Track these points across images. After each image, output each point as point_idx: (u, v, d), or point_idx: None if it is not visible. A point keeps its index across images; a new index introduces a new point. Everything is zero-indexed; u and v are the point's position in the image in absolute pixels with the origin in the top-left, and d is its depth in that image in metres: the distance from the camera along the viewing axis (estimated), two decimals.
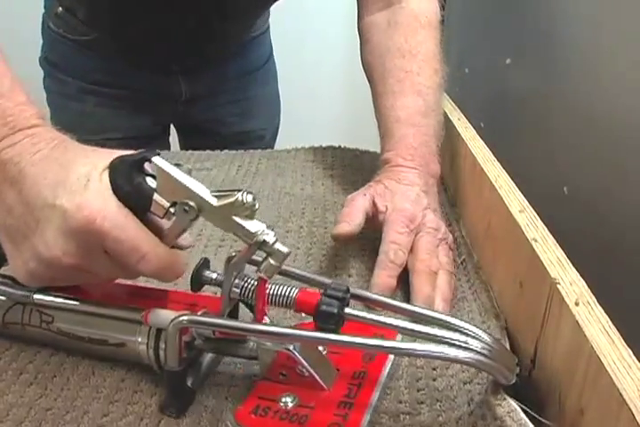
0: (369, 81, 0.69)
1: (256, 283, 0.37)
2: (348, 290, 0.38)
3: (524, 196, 0.50)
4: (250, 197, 0.36)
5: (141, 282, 0.44)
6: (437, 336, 0.35)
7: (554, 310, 0.39)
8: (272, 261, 0.36)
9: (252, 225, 0.36)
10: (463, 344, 0.34)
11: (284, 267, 0.41)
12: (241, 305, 0.41)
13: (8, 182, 0.37)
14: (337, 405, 0.37)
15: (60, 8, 0.84)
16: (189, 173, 0.38)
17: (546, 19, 0.73)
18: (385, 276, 0.51)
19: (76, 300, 0.41)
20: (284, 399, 0.37)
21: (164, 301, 0.40)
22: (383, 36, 0.68)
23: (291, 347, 0.37)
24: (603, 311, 0.36)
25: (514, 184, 0.53)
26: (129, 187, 0.37)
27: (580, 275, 0.40)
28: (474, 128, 0.67)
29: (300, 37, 1.58)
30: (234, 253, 0.38)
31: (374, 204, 0.56)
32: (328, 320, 0.36)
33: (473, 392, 0.40)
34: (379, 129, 0.64)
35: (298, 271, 0.42)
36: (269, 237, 0.36)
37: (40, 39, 0.91)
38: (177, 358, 0.37)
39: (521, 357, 0.43)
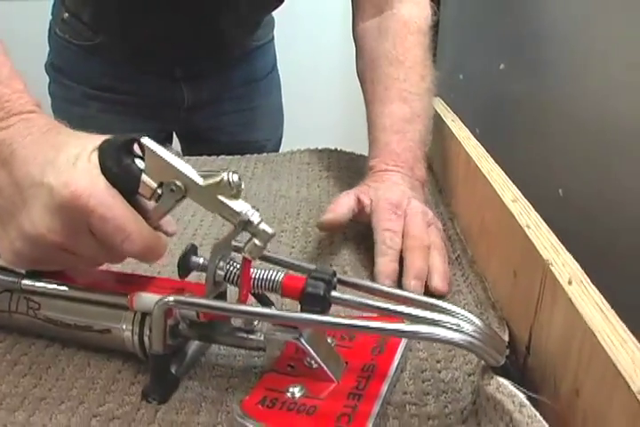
0: (361, 88, 0.70)
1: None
2: (334, 273, 0.37)
3: None
4: (235, 177, 0.36)
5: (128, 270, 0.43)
6: (428, 319, 0.34)
7: (547, 293, 0.38)
8: (257, 242, 0.36)
9: (238, 205, 0.36)
10: (455, 327, 0.33)
11: (269, 254, 0.40)
12: (230, 296, 0.40)
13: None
14: (346, 396, 0.36)
15: (67, 13, 0.86)
16: (179, 155, 0.38)
17: (539, 24, 0.74)
18: (387, 262, 0.51)
19: (64, 285, 0.41)
20: (291, 389, 0.36)
21: (151, 286, 0.39)
22: (374, 44, 0.68)
23: (300, 338, 0.36)
24: (596, 290, 0.35)
25: (507, 178, 0.52)
26: (117, 168, 0.36)
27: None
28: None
29: (297, 44, 1.59)
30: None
31: (359, 200, 0.56)
32: (314, 302, 0.36)
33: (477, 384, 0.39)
34: (368, 137, 0.65)
35: (283, 258, 0.41)
36: (254, 217, 0.35)
37: (46, 46, 0.92)
38: (162, 342, 0.37)
39: (516, 344, 0.42)
